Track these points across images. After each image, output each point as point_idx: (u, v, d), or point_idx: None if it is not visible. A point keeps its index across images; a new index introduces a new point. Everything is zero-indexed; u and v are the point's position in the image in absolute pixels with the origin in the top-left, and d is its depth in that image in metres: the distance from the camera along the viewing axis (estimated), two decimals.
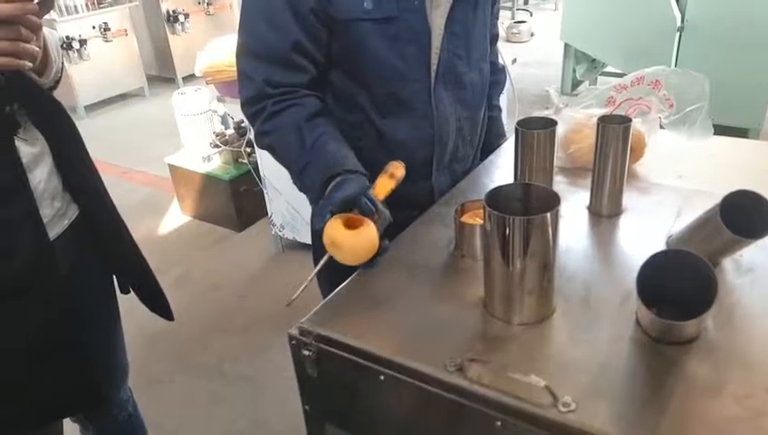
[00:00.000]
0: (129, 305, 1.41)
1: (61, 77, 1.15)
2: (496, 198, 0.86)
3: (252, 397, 2.31)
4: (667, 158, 1.34)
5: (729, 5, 3.35)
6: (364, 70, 1.12)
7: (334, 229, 0.98)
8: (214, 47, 2.54)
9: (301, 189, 1.15)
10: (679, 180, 1.26)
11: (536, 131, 1.08)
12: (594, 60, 4.54)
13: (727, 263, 0.97)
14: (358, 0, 1.05)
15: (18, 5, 0.88)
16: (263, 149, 1.18)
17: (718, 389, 0.75)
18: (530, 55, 5.92)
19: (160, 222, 3.62)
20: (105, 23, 5.37)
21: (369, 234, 0.98)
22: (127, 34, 5.61)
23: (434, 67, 1.15)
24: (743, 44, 3.34)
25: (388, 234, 1.14)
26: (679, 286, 0.76)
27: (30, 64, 0.94)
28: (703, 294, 0.74)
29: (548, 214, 0.80)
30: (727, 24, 3.36)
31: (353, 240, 0.97)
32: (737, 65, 3.33)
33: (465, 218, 1.05)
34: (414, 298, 0.97)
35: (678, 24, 3.47)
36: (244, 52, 1.13)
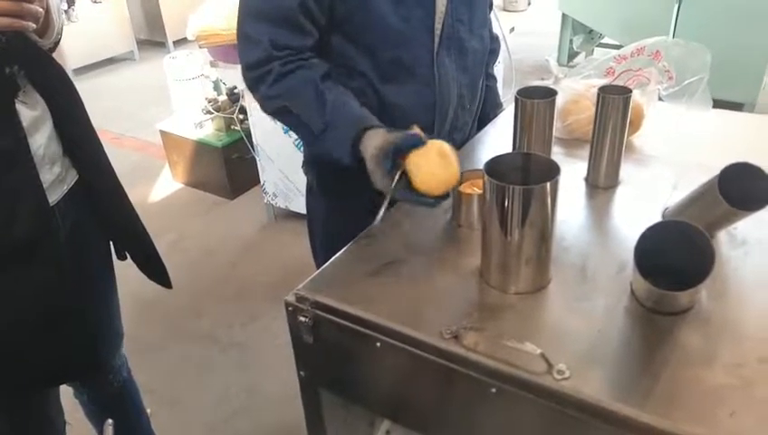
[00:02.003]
0: (122, 273, 1.41)
1: (60, 38, 1.12)
2: (496, 168, 0.86)
3: (245, 364, 2.33)
4: (664, 130, 1.34)
5: None
6: (368, 33, 1.10)
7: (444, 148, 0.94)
8: (206, 10, 2.48)
9: (318, 149, 1.12)
10: (676, 153, 1.26)
11: (536, 101, 1.07)
12: (591, 31, 4.49)
13: (722, 235, 0.98)
14: None
15: None
16: (271, 113, 1.15)
17: (710, 358, 0.76)
18: (527, 25, 5.82)
19: (152, 189, 3.59)
20: None
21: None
22: None
23: (437, 32, 1.14)
24: (741, 16, 3.31)
25: (382, 200, 1.13)
26: (676, 257, 0.77)
27: (34, 26, 0.92)
28: (698, 265, 0.74)
29: (548, 184, 0.80)
30: None
31: (455, 166, 0.94)
32: (735, 38, 3.30)
33: (464, 188, 1.04)
34: (411, 267, 0.97)
35: None
36: (248, 12, 1.09)
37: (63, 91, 1.12)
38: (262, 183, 3.06)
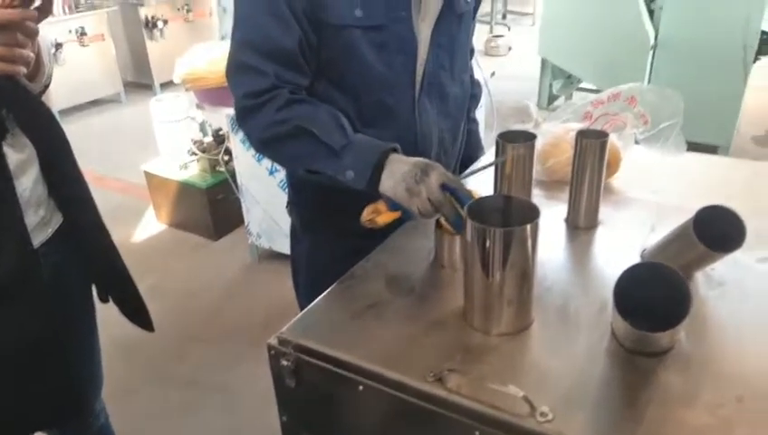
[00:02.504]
0: (103, 316, 1.38)
1: (50, 82, 1.13)
2: (477, 210, 0.87)
3: (227, 408, 2.28)
4: (641, 173, 1.38)
5: (700, 25, 3.44)
6: (351, 77, 1.12)
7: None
8: (193, 54, 2.52)
9: (328, 168, 1.08)
10: (654, 195, 1.29)
11: (517, 144, 1.10)
12: (570, 75, 4.62)
13: (699, 276, 0.99)
14: (349, 7, 1.06)
15: (17, 12, 0.87)
16: (267, 142, 1.12)
17: (691, 399, 0.77)
18: (508, 69, 5.99)
19: (135, 230, 3.56)
20: (82, 27, 5.30)
21: None
22: (104, 39, 5.54)
23: (419, 78, 1.17)
24: (713, 63, 3.43)
25: (369, 246, 1.14)
26: (654, 298, 0.78)
27: (25, 70, 0.93)
28: (677, 307, 0.76)
29: (528, 226, 0.82)
30: (699, 42, 3.45)
31: None
32: (708, 83, 3.42)
33: (446, 229, 1.06)
34: (394, 308, 0.98)
35: (652, 42, 3.56)
36: (247, 45, 1.09)
37: (51, 134, 1.13)
38: (246, 224, 3.06)
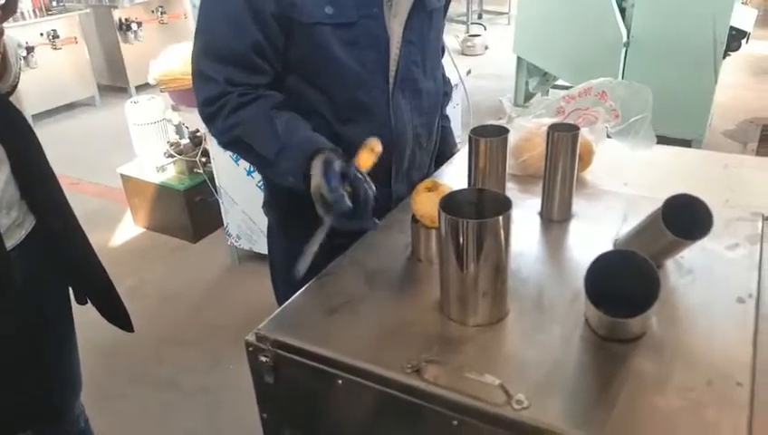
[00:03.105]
0: (81, 320, 1.37)
1: (18, 82, 1.12)
2: (451, 203, 0.88)
3: (208, 409, 2.26)
4: (613, 166, 1.40)
5: (671, 23, 3.51)
6: (324, 75, 1.13)
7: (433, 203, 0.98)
8: (168, 55, 2.50)
9: (272, 176, 1.14)
10: (625, 187, 1.31)
11: (489, 139, 1.11)
12: (546, 73, 4.67)
13: (670, 264, 1.01)
14: (319, 5, 1.07)
15: None
16: (228, 146, 1.16)
17: (663, 383, 0.78)
18: (484, 68, 6.04)
19: (112, 234, 3.52)
20: (54, 30, 5.22)
21: None
22: (77, 42, 5.46)
23: (392, 74, 1.17)
24: (685, 59, 3.50)
25: (346, 243, 1.14)
26: (625, 286, 0.79)
27: None
28: (647, 293, 0.77)
29: (500, 217, 0.83)
30: (670, 40, 3.52)
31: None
32: (680, 79, 3.48)
33: (422, 223, 1.06)
34: (371, 303, 0.98)
35: (624, 39, 3.61)
36: (203, 52, 1.12)
37: (21, 135, 1.12)
38: (225, 225, 3.04)
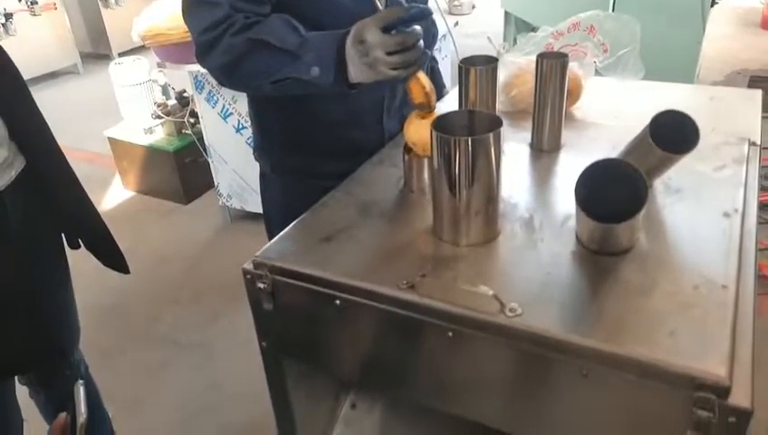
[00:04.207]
0: (77, 281, 1.38)
1: None
2: (443, 125, 0.89)
3: (206, 364, 2.30)
4: (602, 100, 1.41)
5: None
6: (315, 10, 1.12)
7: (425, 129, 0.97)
8: (152, 10, 2.46)
9: (292, 72, 1.05)
10: (615, 119, 1.32)
11: (479, 67, 1.12)
12: (534, 28, 4.62)
13: (658, 185, 1.03)
14: None
15: None
16: (230, 66, 1.09)
17: (650, 289, 0.81)
18: (472, 26, 5.97)
19: (102, 199, 3.51)
20: None
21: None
22: (56, 8, 5.35)
23: (381, 7, 1.16)
24: (672, 9, 3.48)
25: (337, 182, 1.14)
26: (614, 195, 0.81)
27: None
28: (635, 200, 0.79)
29: (491, 134, 0.84)
30: None
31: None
32: (668, 29, 3.46)
33: (415, 154, 1.07)
34: (366, 230, 1.00)
35: None
36: None
37: (7, 75, 1.11)
38: (216, 185, 3.04)
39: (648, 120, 0.94)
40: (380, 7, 1.17)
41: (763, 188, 3.06)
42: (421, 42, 0.98)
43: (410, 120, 1.07)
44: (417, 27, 0.97)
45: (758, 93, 1.42)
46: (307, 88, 1.06)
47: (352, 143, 1.27)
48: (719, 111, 1.36)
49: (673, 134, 0.91)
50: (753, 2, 5.91)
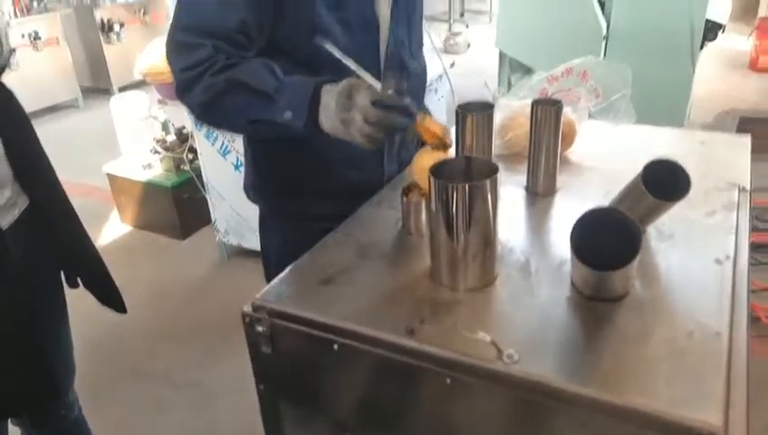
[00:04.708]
0: (73, 317, 1.37)
1: (7, 64, 1.13)
2: (440, 172, 0.91)
3: (203, 403, 2.27)
4: (596, 144, 1.44)
5: (649, 16, 3.58)
6: (319, 55, 1.14)
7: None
8: (153, 49, 2.51)
9: (271, 114, 1.08)
10: (608, 163, 1.35)
11: (475, 114, 1.14)
12: (528, 68, 4.72)
13: (651, 230, 1.05)
14: None
15: None
16: (209, 105, 1.11)
17: (646, 336, 0.82)
18: (467, 65, 6.09)
19: (99, 233, 3.51)
20: (35, 31, 5.20)
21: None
22: (58, 44, 5.44)
23: (383, 55, 1.20)
24: (663, 51, 3.57)
25: (336, 223, 1.16)
26: (609, 243, 0.83)
27: None
28: (629, 248, 0.81)
29: (488, 181, 0.86)
30: (649, 32, 3.59)
31: None
32: (659, 70, 3.54)
33: (411, 198, 1.09)
34: (365, 273, 1.01)
35: (604, 32, 3.68)
36: (186, 29, 1.10)
37: (13, 115, 1.13)
38: (213, 221, 3.05)
39: (640, 165, 0.96)
40: (383, 56, 1.20)
41: (755, 229, 3.10)
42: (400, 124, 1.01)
43: (420, 154, 1.09)
44: (402, 119, 1.00)
45: (747, 138, 1.45)
46: (281, 130, 1.08)
47: (352, 185, 1.29)
48: (709, 156, 1.39)
49: (665, 182, 0.93)
50: (741, 44, 6.06)
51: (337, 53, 1.03)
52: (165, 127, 3.31)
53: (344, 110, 1.00)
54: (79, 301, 1.47)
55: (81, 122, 5.46)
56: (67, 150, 4.64)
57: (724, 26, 3.73)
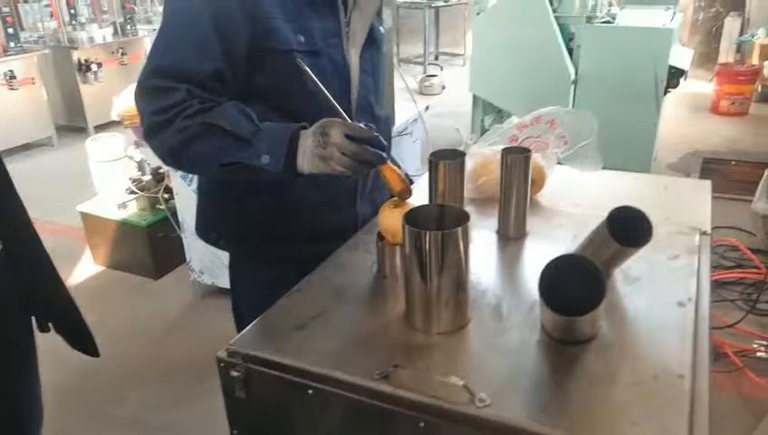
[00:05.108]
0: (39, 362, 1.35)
1: None
2: (414, 219, 0.94)
3: None
4: (564, 189, 1.49)
5: (615, 63, 3.74)
6: (296, 102, 1.17)
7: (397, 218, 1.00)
8: (130, 91, 2.53)
9: (246, 157, 1.09)
10: (576, 208, 1.40)
11: (447, 162, 1.18)
12: (500, 110, 4.85)
13: (617, 274, 1.09)
14: (292, 33, 1.13)
15: None
16: (181, 146, 1.10)
17: (613, 379, 0.85)
18: (442, 107, 6.22)
19: (71, 273, 3.45)
20: (11, 71, 5.18)
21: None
22: (34, 83, 5.42)
23: (354, 101, 1.24)
24: (629, 96, 3.72)
25: (312, 265, 1.18)
26: (576, 292, 0.85)
27: None
28: (595, 293, 0.84)
29: (459, 229, 0.89)
30: (615, 78, 3.75)
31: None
32: (625, 114, 3.69)
33: (387, 242, 1.12)
34: (339, 316, 1.02)
35: (573, 77, 3.82)
36: (160, 73, 1.11)
37: None
38: (188, 260, 3.03)
39: (607, 209, 1.00)
40: (354, 102, 1.24)
41: (721, 267, 3.17)
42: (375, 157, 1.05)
43: (384, 208, 1.12)
44: (375, 151, 1.04)
45: (707, 183, 1.52)
46: (253, 174, 1.10)
47: (327, 226, 1.31)
48: (673, 201, 1.45)
49: (629, 228, 0.97)
50: (703, 89, 6.31)
51: (314, 78, 1.09)
52: (141, 167, 3.31)
53: (320, 146, 1.04)
54: (44, 343, 1.44)
55: (55, 161, 5.41)
56: (40, 189, 4.59)
57: (687, 73, 3.90)
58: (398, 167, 1.21)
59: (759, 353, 2.55)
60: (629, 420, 0.77)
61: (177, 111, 1.09)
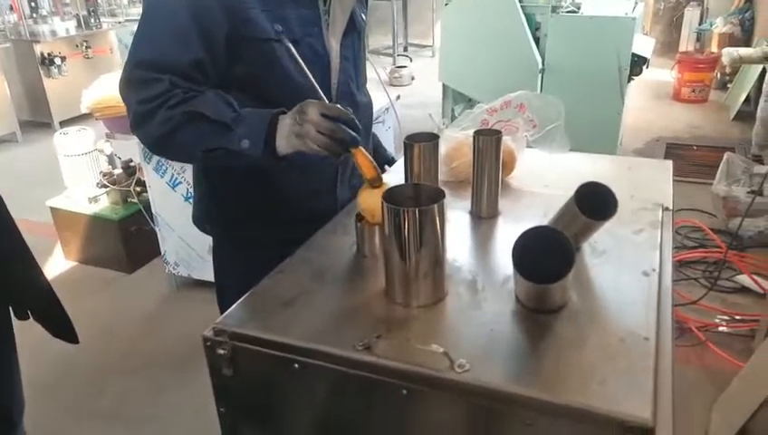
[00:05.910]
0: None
1: None
2: (392, 198, 0.98)
3: None
4: (534, 171, 1.54)
5: (580, 52, 3.83)
6: (275, 90, 1.20)
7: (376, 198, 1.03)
8: (101, 83, 2.51)
9: (227, 142, 1.13)
10: (545, 188, 1.45)
11: (422, 144, 1.22)
12: (470, 99, 4.92)
13: (586, 247, 1.15)
14: (270, 22, 1.16)
15: None
16: (166, 137, 1.15)
17: (582, 343, 0.90)
18: (412, 98, 6.27)
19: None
20: None
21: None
22: None
23: (334, 88, 1.27)
24: (594, 84, 3.82)
25: (293, 249, 1.21)
26: (547, 261, 0.90)
27: None
28: (565, 263, 0.89)
29: (435, 205, 0.93)
30: (580, 66, 3.84)
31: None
32: (591, 101, 3.78)
33: (367, 222, 1.15)
34: (321, 295, 1.05)
35: (540, 66, 3.90)
36: (143, 65, 1.14)
37: None
38: (163, 253, 3.02)
39: (574, 189, 1.05)
40: (334, 89, 1.27)
41: (684, 247, 3.29)
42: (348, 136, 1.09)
43: (362, 190, 1.15)
44: (350, 131, 1.08)
45: (669, 163, 1.59)
46: (236, 158, 1.14)
47: (308, 211, 1.34)
48: (637, 180, 1.52)
49: (596, 203, 1.03)
50: (665, 77, 6.48)
51: (296, 54, 1.13)
52: (111, 160, 3.28)
53: (297, 123, 1.08)
54: (21, 338, 1.44)
55: (21, 157, 5.30)
56: (5, 186, 4.48)
57: (649, 61, 4.01)
58: (371, 156, 1.26)
59: (721, 328, 2.67)
60: (598, 379, 0.82)
61: (160, 101, 1.12)
